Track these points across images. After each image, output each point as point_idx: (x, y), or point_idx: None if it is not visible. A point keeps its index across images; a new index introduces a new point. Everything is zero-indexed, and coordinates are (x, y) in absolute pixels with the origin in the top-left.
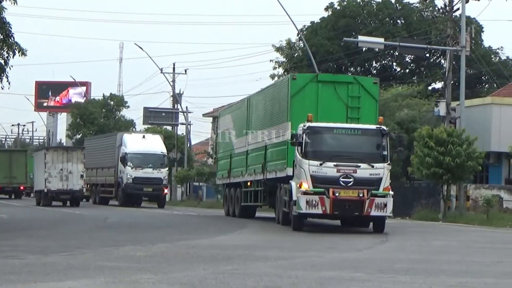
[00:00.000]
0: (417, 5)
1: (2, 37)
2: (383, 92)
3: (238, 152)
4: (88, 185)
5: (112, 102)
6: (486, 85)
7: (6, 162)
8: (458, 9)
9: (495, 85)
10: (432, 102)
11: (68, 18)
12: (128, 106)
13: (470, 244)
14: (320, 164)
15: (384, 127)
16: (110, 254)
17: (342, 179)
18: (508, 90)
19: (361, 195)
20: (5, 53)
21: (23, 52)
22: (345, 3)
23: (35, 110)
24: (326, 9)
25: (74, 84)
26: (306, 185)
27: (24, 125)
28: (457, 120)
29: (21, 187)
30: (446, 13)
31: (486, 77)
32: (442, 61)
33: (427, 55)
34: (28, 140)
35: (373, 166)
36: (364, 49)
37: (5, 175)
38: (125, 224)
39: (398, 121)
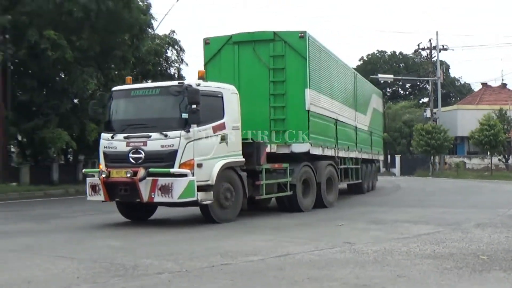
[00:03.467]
0: (412, 55)
1: None
2: (393, 105)
3: None
4: None
5: None
6: (453, 98)
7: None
8: (435, 56)
9: (458, 98)
10: (422, 109)
11: None
12: None
13: (447, 189)
14: (112, 137)
15: (195, 83)
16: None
17: (131, 155)
18: (465, 101)
19: (128, 175)
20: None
21: None
22: (370, 56)
23: None
24: (360, 59)
25: None
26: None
27: None
28: (437, 119)
29: None
30: (428, 59)
31: (453, 94)
32: (427, 86)
33: (418, 83)
34: None
35: (166, 136)
36: (381, 81)
37: None
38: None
39: (403, 121)
